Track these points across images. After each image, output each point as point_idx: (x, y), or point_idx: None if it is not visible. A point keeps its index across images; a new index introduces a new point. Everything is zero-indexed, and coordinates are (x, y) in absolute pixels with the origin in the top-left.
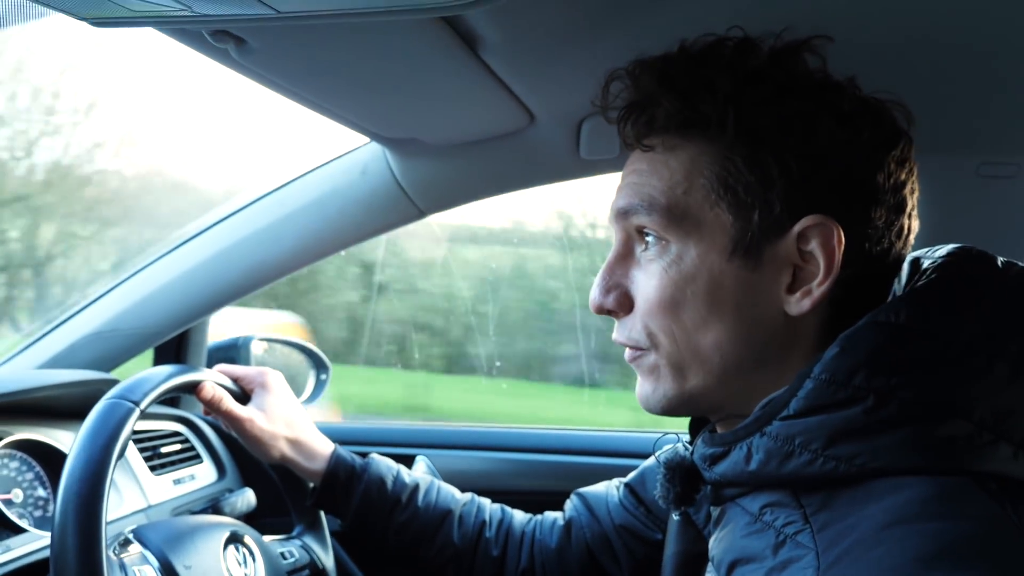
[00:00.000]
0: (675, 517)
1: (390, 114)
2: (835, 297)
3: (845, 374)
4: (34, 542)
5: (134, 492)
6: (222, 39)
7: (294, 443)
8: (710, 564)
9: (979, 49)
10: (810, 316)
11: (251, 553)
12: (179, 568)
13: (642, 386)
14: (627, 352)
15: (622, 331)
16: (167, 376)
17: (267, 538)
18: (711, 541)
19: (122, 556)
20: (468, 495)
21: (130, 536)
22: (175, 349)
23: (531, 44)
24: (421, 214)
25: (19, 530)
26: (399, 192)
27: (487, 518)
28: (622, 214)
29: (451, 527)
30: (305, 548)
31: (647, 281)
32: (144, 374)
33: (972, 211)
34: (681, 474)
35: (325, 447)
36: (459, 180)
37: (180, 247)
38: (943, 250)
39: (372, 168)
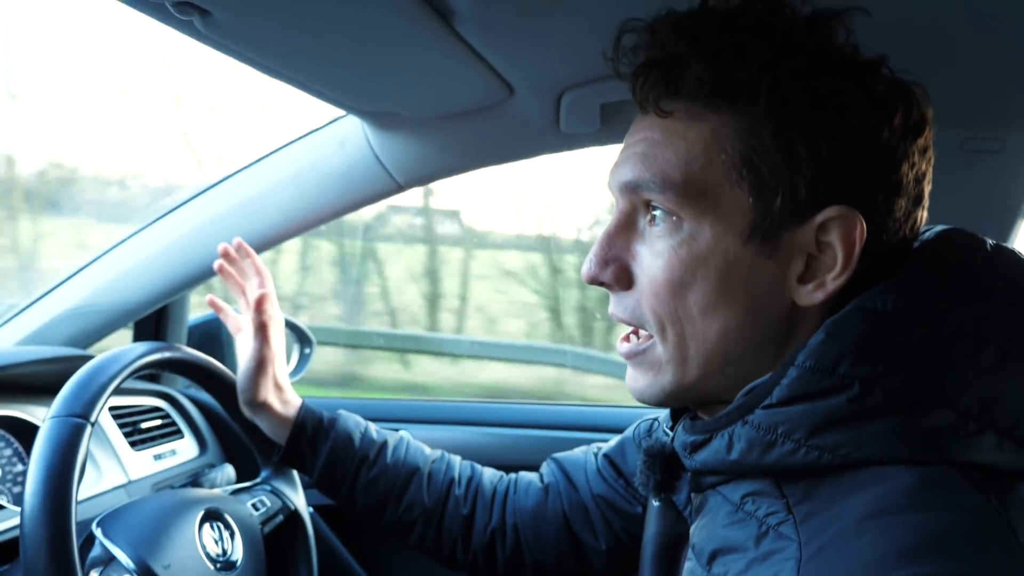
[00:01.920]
0: (655, 503)
1: (364, 87)
2: (841, 288)
3: (830, 362)
4: (12, 518)
5: (114, 468)
6: (185, 10)
7: (279, 389)
8: (691, 551)
9: (964, 23)
10: (814, 306)
11: (227, 527)
12: (158, 570)
13: (636, 379)
14: (624, 346)
15: (622, 307)
16: (111, 376)
17: (236, 487)
18: (692, 528)
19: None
20: (438, 452)
21: (99, 535)
22: (154, 325)
23: (507, 15)
24: (400, 188)
25: None
26: (378, 166)
27: (456, 475)
28: (630, 187)
29: (419, 485)
30: (275, 493)
31: (653, 259)
32: (89, 370)
33: (957, 186)
34: (662, 461)
35: (295, 398)
36: (438, 154)
37: (157, 222)
38: (931, 232)
39: (350, 141)
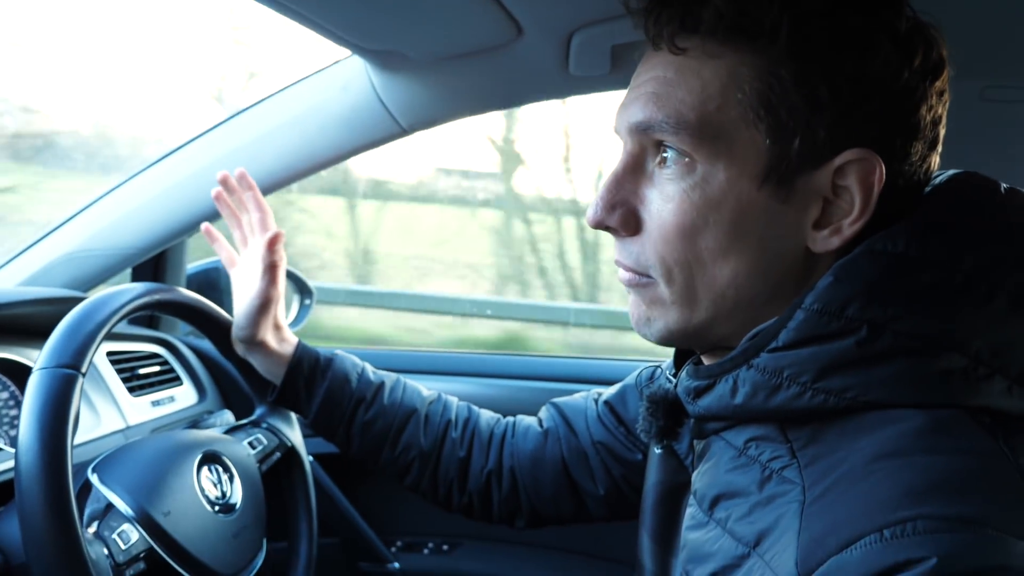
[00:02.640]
0: (657, 451)
1: (371, 23)
2: (857, 233)
3: (838, 305)
4: (9, 460)
5: (112, 413)
6: None
7: (277, 329)
8: (692, 497)
9: None
10: (829, 252)
11: (226, 469)
12: (158, 518)
13: (639, 312)
14: (626, 275)
15: (627, 253)
16: (99, 323)
17: (231, 424)
18: (694, 475)
19: (100, 530)
20: (435, 393)
21: (95, 482)
22: (152, 271)
23: None
24: (404, 132)
25: None
26: (381, 109)
27: (453, 417)
28: (640, 128)
29: (416, 427)
30: (271, 430)
31: (664, 203)
32: (77, 316)
33: (976, 136)
34: (665, 407)
35: (292, 338)
36: (443, 97)
37: (155, 165)
38: (944, 176)
39: (353, 84)
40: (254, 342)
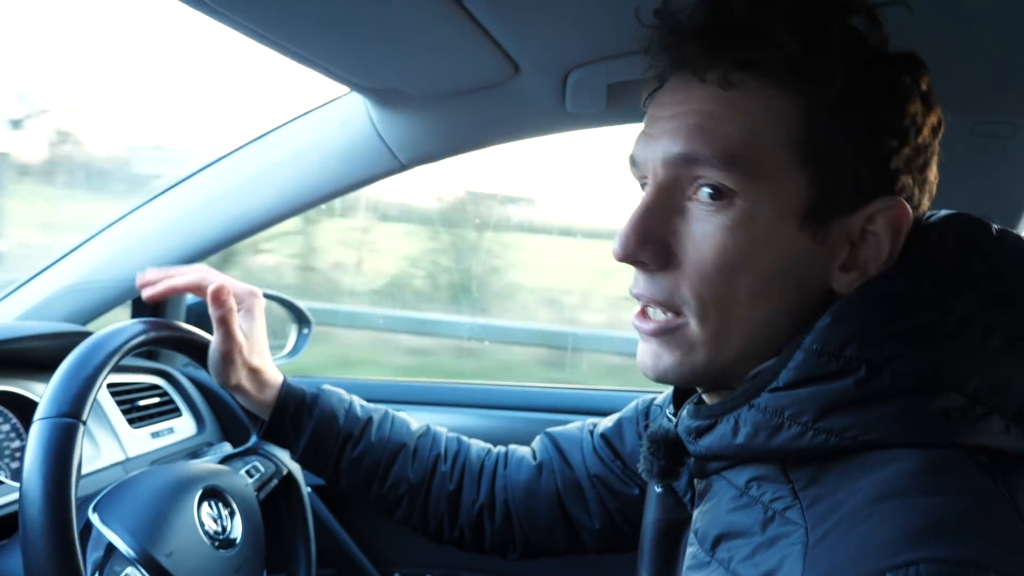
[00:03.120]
0: (657, 489)
1: (368, 63)
2: None
3: (837, 345)
4: (10, 494)
5: (112, 445)
6: None
7: (254, 372)
8: (693, 536)
9: (975, 6)
10: (844, 294)
11: (226, 504)
12: (161, 559)
13: (659, 357)
14: (649, 323)
15: (657, 288)
16: (97, 366)
17: (227, 452)
18: (695, 513)
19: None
20: (423, 426)
21: (96, 522)
22: (153, 303)
23: None
24: (403, 167)
25: None
26: (380, 144)
27: (442, 451)
28: (681, 161)
29: (405, 461)
30: (267, 457)
31: (704, 239)
32: (74, 362)
33: (968, 171)
34: (666, 447)
35: (276, 379)
36: (442, 133)
37: (157, 198)
38: (937, 216)
39: (352, 120)
40: (229, 387)
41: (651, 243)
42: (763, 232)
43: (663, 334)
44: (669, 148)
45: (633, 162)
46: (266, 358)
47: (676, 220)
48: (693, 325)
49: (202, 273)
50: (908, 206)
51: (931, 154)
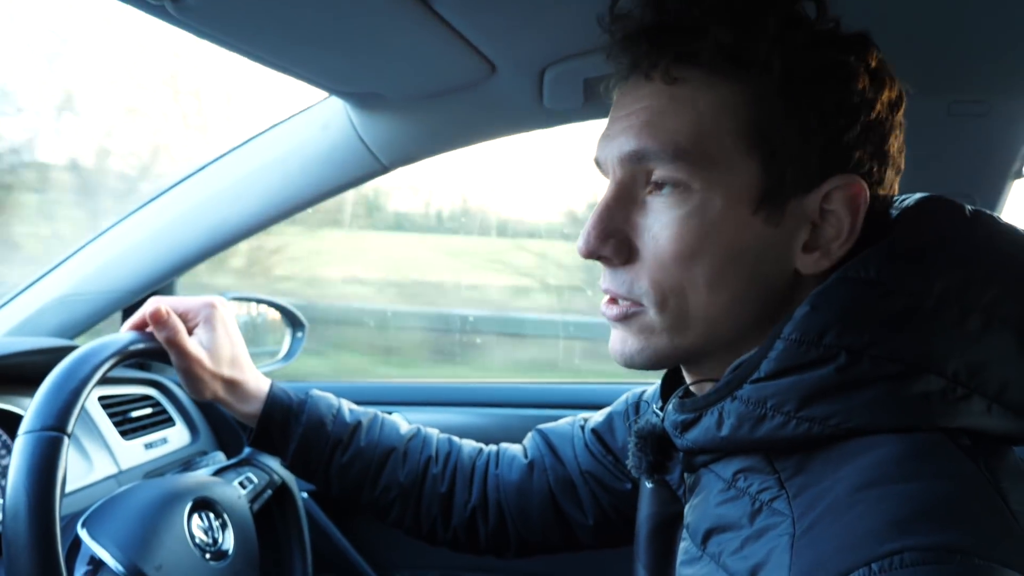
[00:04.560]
0: (648, 485)
1: (344, 68)
2: (843, 256)
3: (816, 333)
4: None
5: (104, 458)
6: None
7: (230, 384)
8: (685, 531)
9: None
10: (814, 276)
11: (217, 515)
12: (150, 573)
13: (624, 342)
14: (613, 308)
15: (619, 282)
16: (82, 380)
17: (221, 464)
18: (686, 508)
19: None
20: (414, 427)
21: (85, 537)
22: None
23: None
24: (385, 169)
25: None
26: (361, 147)
27: (433, 453)
28: (634, 158)
29: (395, 465)
30: (261, 467)
31: (660, 230)
32: (59, 376)
33: (943, 151)
34: (653, 442)
35: (260, 388)
36: (422, 134)
37: (142, 209)
38: (911, 199)
39: (333, 123)
40: (205, 401)
41: (612, 238)
42: (717, 219)
43: (624, 319)
44: (623, 146)
45: (597, 163)
46: (242, 368)
47: (635, 214)
48: (652, 313)
49: (151, 306)
50: (863, 183)
51: (889, 128)
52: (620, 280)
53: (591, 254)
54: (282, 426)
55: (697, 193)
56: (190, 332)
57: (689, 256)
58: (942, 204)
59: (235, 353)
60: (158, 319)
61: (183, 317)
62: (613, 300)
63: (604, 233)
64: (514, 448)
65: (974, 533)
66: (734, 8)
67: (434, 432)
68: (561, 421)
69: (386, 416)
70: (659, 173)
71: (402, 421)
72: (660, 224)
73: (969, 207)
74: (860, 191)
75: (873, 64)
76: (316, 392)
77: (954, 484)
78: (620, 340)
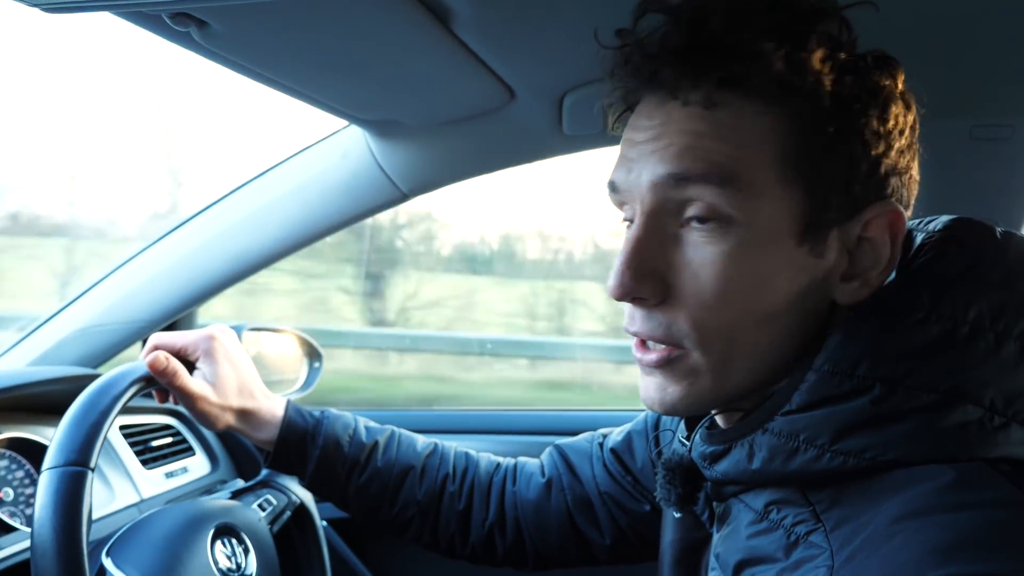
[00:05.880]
0: (676, 515)
1: (365, 95)
2: (881, 284)
3: (849, 364)
4: (25, 540)
5: (126, 487)
6: (183, 22)
7: (242, 414)
8: (715, 560)
9: (970, 10)
10: (854, 304)
11: (239, 540)
12: None
13: (664, 389)
14: (650, 354)
15: (653, 324)
16: (102, 412)
17: (239, 486)
18: (715, 538)
19: None
20: (431, 444)
21: (111, 567)
22: None
23: (507, 18)
24: (404, 197)
25: (10, 528)
26: (381, 175)
27: (450, 470)
28: (670, 181)
29: (413, 484)
30: (278, 489)
31: (701, 267)
32: (79, 409)
33: (966, 174)
34: (682, 474)
35: (275, 413)
36: (441, 161)
37: (163, 239)
38: (939, 222)
39: (353, 152)
40: (219, 432)
41: (648, 277)
42: (764, 255)
43: (666, 365)
44: (656, 169)
45: (614, 188)
46: (253, 396)
47: (670, 250)
48: (696, 355)
49: (150, 354)
50: (901, 209)
51: (914, 153)
52: (656, 322)
53: (626, 295)
54: (299, 450)
55: (742, 226)
56: (193, 366)
57: (735, 294)
58: (972, 226)
59: (242, 381)
60: (155, 367)
61: (183, 352)
62: (643, 343)
63: (640, 272)
64: (532, 464)
65: (1015, 560)
66: (782, 31)
67: (452, 447)
68: (579, 437)
69: (403, 432)
70: (700, 203)
71: (420, 437)
72: (700, 260)
73: (1000, 229)
74: (898, 218)
75: (900, 85)
76: (332, 412)
77: (996, 512)
78: (658, 387)
